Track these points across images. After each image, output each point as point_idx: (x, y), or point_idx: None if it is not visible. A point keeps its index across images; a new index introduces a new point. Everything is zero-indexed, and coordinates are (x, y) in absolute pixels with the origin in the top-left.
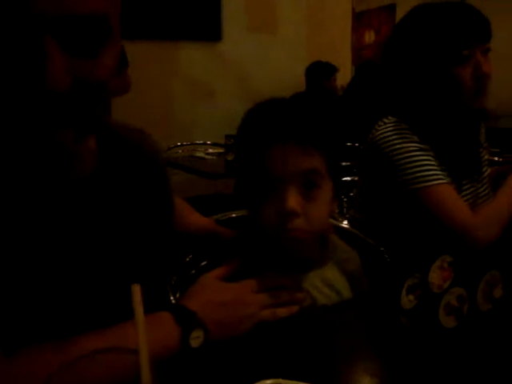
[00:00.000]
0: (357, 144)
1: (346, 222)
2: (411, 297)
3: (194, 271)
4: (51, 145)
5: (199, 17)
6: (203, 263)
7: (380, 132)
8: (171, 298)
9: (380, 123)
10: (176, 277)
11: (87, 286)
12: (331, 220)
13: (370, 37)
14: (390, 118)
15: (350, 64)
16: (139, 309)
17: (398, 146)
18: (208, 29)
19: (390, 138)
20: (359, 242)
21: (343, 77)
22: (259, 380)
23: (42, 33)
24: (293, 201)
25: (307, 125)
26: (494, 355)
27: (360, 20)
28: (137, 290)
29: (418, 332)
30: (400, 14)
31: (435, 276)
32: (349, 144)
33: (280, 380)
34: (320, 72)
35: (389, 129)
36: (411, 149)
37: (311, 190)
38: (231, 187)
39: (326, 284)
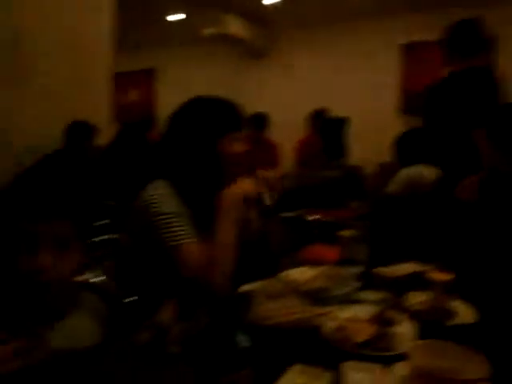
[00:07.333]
0: (113, 203)
1: (95, 278)
2: (147, 334)
3: None
4: None
5: None
6: None
7: (149, 193)
8: None
9: (149, 186)
10: None
11: None
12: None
13: (132, 95)
14: (159, 181)
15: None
16: None
17: (159, 209)
18: None
19: (155, 201)
20: (106, 294)
21: (105, 134)
22: None
23: None
24: (44, 258)
25: (56, 203)
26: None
27: (122, 80)
28: None
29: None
30: (160, 76)
31: (164, 315)
32: (108, 202)
33: None
34: (81, 132)
35: (156, 191)
36: (169, 211)
37: (61, 251)
38: None
39: (74, 330)
